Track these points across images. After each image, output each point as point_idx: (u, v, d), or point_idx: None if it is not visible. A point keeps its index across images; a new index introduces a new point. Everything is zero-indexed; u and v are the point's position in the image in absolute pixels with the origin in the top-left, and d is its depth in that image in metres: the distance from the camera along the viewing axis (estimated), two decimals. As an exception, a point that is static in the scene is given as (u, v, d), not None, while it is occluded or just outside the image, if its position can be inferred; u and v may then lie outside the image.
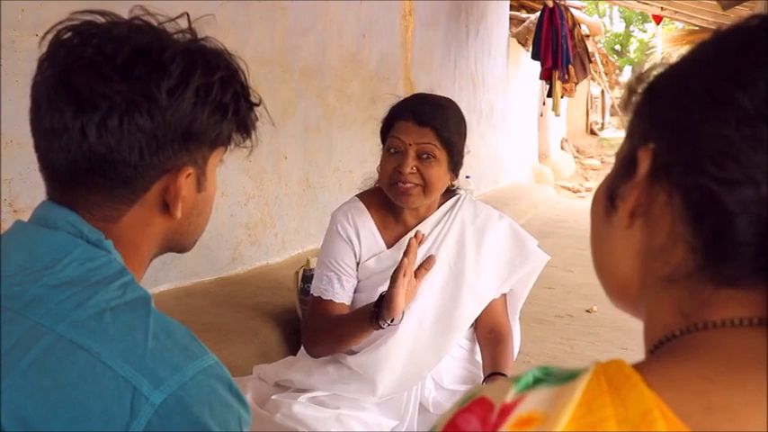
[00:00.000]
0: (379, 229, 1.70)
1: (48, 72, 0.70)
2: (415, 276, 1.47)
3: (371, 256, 1.69)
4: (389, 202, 1.67)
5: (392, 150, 1.59)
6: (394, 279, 1.43)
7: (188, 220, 0.78)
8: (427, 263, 1.49)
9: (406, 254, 1.44)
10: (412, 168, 1.56)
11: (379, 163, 1.66)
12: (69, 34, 0.70)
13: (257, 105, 0.79)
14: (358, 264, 1.70)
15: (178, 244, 0.81)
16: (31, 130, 0.73)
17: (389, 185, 1.60)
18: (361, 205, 1.72)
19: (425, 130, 1.56)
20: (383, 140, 1.66)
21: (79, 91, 0.67)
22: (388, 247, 1.69)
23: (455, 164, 1.63)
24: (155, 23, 0.73)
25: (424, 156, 1.56)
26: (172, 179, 0.73)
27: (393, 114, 1.64)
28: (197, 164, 0.75)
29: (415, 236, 1.48)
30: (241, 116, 0.76)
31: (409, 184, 1.57)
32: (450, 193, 1.74)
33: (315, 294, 1.70)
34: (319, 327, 1.64)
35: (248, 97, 0.78)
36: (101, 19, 0.71)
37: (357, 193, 1.79)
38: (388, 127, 1.63)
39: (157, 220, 0.75)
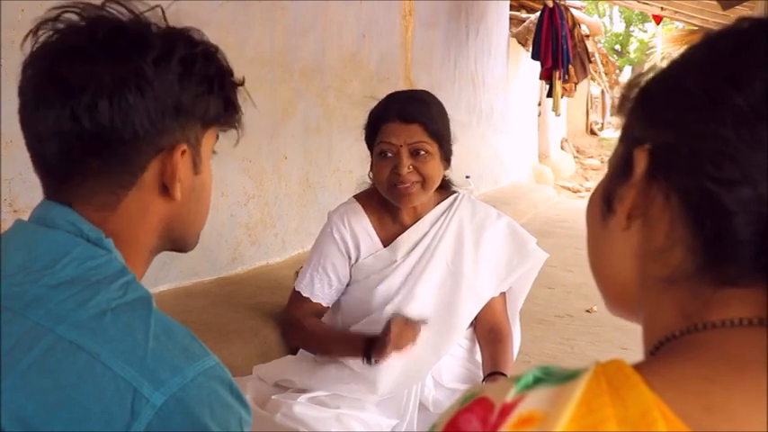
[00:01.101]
0: (375, 229, 1.71)
1: (31, 71, 0.70)
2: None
3: (368, 255, 1.70)
4: (386, 201, 1.67)
5: (384, 154, 1.59)
6: (386, 328, 1.43)
7: (186, 206, 0.77)
8: (418, 332, 1.46)
9: (401, 319, 1.45)
10: (409, 168, 1.57)
11: (369, 168, 1.66)
12: (49, 30, 0.70)
13: (241, 85, 0.80)
14: (352, 266, 1.71)
15: (179, 235, 0.80)
16: (22, 128, 0.72)
17: (389, 188, 1.60)
18: (358, 206, 1.73)
19: (413, 126, 1.57)
20: (369, 146, 1.66)
21: (65, 77, 0.67)
22: (385, 246, 1.70)
23: (446, 153, 1.65)
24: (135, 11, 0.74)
25: (418, 153, 1.57)
26: (168, 158, 0.73)
27: (377, 118, 1.63)
28: (190, 142, 0.75)
29: (420, 321, 1.47)
30: (227, 92, 0.77)
31: (408, 184, 1.58)
32: (447, 191, 1.75)
33: (296, 288, 1.74)
34: (305, 329, 1.67)
35: (231, 74, 0.78)
36: (76, 9, 0.71)
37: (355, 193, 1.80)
38: (374, 131, 1.63)
39: (156, 204, 0.74)
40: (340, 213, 1.73)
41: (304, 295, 1.71)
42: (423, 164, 1.58)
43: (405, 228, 1.70)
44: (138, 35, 0.69)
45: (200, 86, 0.73)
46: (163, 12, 0.76)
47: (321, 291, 1.71)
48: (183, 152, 0.74)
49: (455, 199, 1.74)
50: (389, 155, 1.58)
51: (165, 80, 0.69)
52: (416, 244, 1.69)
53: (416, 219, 1.70)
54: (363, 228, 1.70)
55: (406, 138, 1.57)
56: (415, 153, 1.57)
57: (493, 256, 1.71)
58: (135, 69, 0.67)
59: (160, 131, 0.71)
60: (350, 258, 1.71)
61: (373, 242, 1.71)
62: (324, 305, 1.73)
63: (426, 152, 1.57)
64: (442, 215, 1.71)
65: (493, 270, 1.71)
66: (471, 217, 1.73)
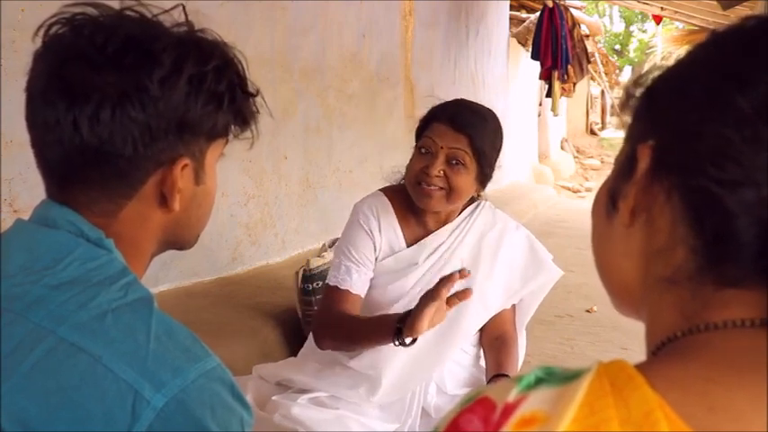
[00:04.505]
0: (401, 226, 1.68)
1: (41, 66, 0.69)
2: (447, 303, 1.38)
3: (391, 252, 1.67)
4: (412, 201, 1.65)
5: (423, 150, 1.57)
6: (422, 302, 1.36)
7: (187, 213, 0.76)
8: (463, 294, 1.39)
9: (443, 283, 1.35)
10: (439, 171, 1.54)
11: (408, 161, 1.63)
12: (61, 27, 0.69)
13: (254, 96, 0.78)
14: (377, 258, 1.68)
15: (179, 239, 0.80)
16: (27, 126, 0.72)
17: (414, 185, 1.58)
18: (386, 200, 1.70)
19: (460, 135, 1.54)
20: (417, 140, 1.63)
21: (71, 83, 0.66)
22: (408, 246, 1.67)
23: (484, 175, 1.60)
24: (148, 15, 0.72)
25: (454, 161, 1.54)
26: (168, 171, 0.72)
27: (431, 115, 1.61)
28: (194, 156, 0.74)
29: (461, 272, 1.38)
30: (237, 106, 0.75)
31: (433, 187, 1.54)
32: (471, 199, 1.72)
33: (331, 284, 1.65)
34: (335, 322, 1.60)
35: (245, 87, 0.76)
36: (92, 11, 0.70)
37: (379, 187, 1.76)
38: (424, 127, 1.61)
39: (156, 214, 0.74)
40: (369, 204, 1.70)
41: (342, 288, 1.62)
42: (454, 174, 1.54)
43: (428, 231, 1.67)
44: (148, 51, 0.67)
45: (208, 105, 0.71)
46: (185, 10, 0.74)
47: (359, 280, 1.63)
48: (185, 166, 0.73)
49: (476, 207, 1.73)
50: (427, 152, 1.56)
51: (171, 99, 0.68)
52: (437, 248, 1.67)
53: (440, 224, 1.67)
54: (390, 223, 1.68)
55: (449, 142, 1.53)
56: (451, 160, 1.54)
57: (508, 268, 1.69)
58: (140, 87, 0.66)
59: (161, 148, 0.70)
60: (375, 249, 1.67)
61: (397, 239, 1.68)
62: (361, 296, 1.65)
63: (462, 164, 1.54)
64: (462, 222, 1.69)
65: (506, 282, 1.69)
66: (491, 226, 1.71)
